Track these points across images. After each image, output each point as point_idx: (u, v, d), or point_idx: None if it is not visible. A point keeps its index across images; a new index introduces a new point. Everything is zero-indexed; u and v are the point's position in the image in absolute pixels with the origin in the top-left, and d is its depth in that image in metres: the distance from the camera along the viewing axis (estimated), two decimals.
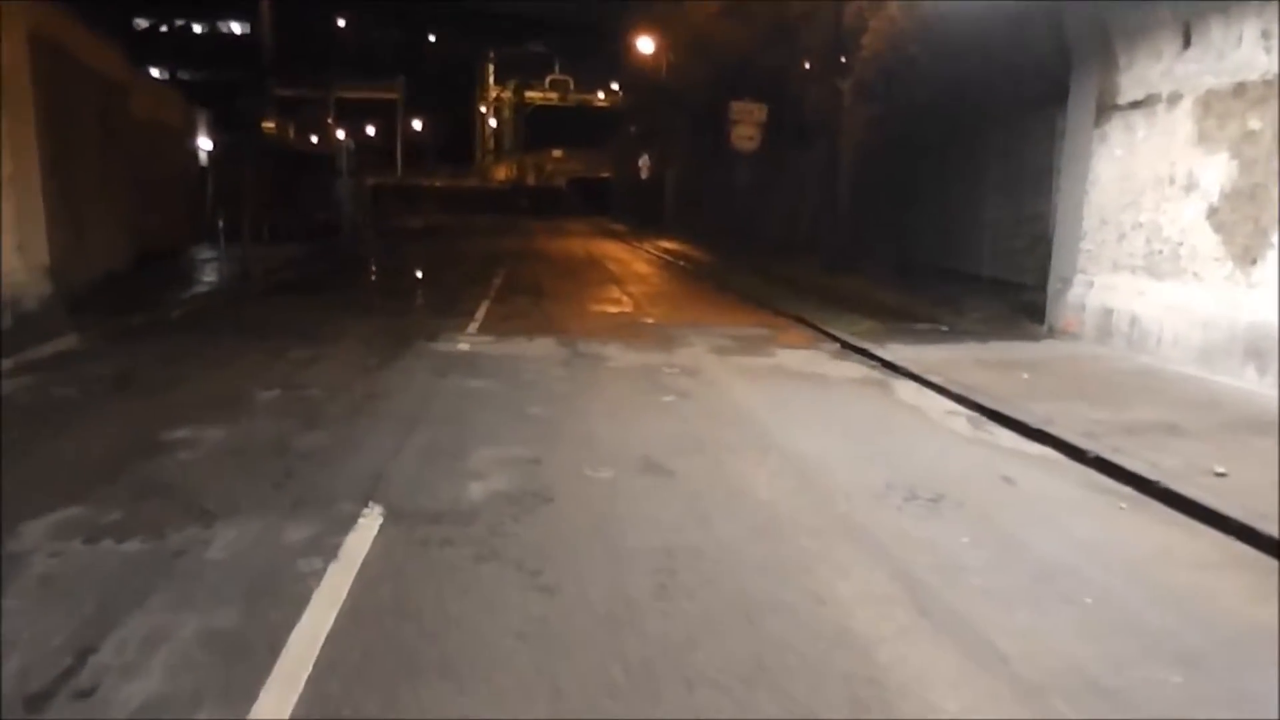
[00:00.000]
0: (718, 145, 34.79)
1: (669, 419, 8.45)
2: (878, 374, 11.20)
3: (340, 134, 62.12)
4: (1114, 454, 7.35)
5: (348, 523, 5.53)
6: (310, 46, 77.76)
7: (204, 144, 31.59)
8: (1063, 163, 13.92)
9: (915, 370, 10.97)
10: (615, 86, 75.20)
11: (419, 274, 23.59)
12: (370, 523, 5.54)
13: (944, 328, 14.29)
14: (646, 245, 35.91)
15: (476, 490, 6.19)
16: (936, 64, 17.10)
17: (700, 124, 38.01)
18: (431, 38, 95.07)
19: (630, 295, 19.23)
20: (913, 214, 19.69)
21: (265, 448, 7.13)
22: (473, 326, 14.06)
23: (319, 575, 4.81)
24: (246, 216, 29.83)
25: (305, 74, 78.08)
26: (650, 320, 15.35)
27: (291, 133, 74.42)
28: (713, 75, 31.94)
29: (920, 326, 14.34)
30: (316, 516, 5.63)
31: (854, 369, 11.50)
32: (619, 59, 55.41)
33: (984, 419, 8.92)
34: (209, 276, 20.48)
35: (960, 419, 8.97)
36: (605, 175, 74.23)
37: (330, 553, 5.08)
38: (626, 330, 14.15)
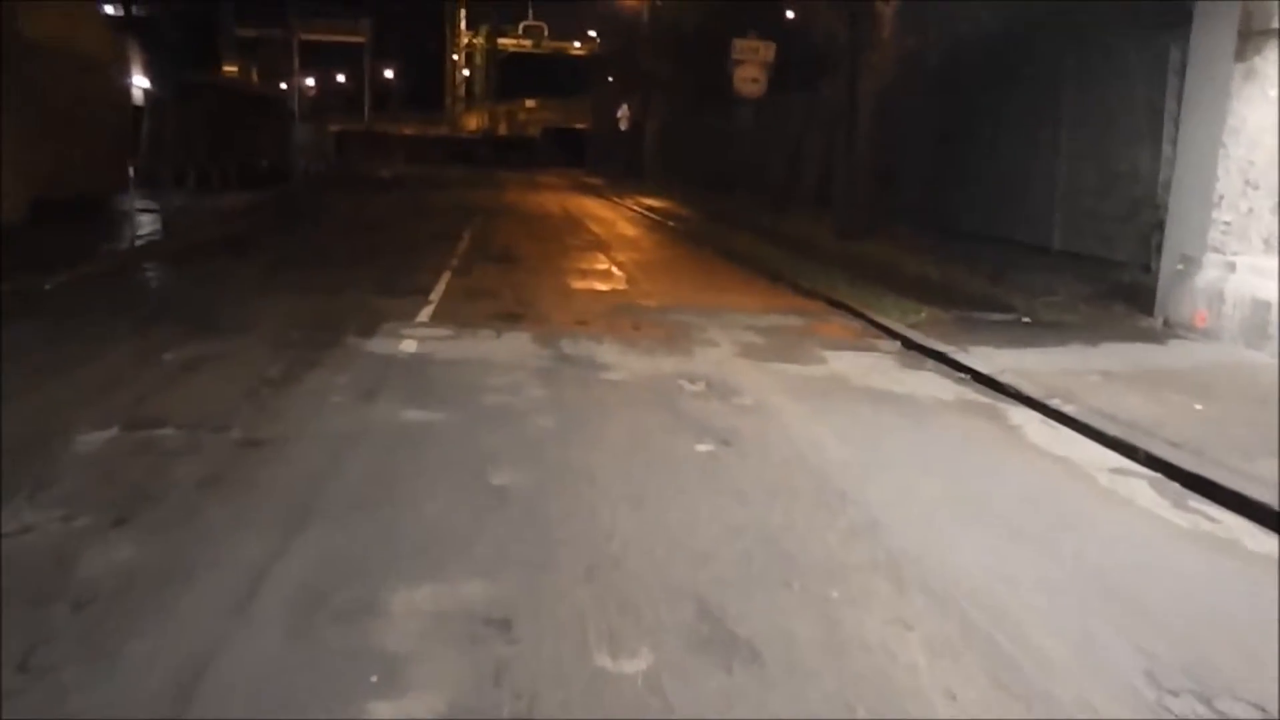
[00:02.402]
0: (706, 91, 31.57)
1: (716, 496, 5.34)
2: (975, 393, 8.15)
3: (303, 78, 58.37)
4: None
5: None
6: None
7: (140, 81, 28.01)
8: (1184, 107, 10.83)
9: (1029, 391, 7.92)
10: (592, 34, 71.93)
11: (372, 234, 20.24)
12: None
13: (1025, 318, 11.26)
14: (629, 201, 32.71)
15: None
16: None
17: (688, 69, 34.74)
18: None
19: (620, 266, 16.06)
20: (952, 168, 16.55)
21: (15, 585, 3.97)
22: (426, 311, 10.86)
23: None
24: (185, 162, 26.51)
25: (266, 11, 74.00)
26: (651, 302, 12.20)
27: (254, 76, 70.62)
28: (706, 11, 28.59)
29: (993, 316, 11.31)
30: None
31: (940, 385, 8.44)
32: (597, 3, 52.01)
33: (1179, 486, 5.89)
34: (120, 232, 17.15)
35: (1141, 485, 5.93)
36: (580, 126, 71.43)
37: None
38: (623, 317, 11.01)
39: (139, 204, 21.04)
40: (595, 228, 23.65)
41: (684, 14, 29.95)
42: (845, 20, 18.15)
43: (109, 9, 40.71)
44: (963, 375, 8.74)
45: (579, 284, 13.69)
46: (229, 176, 27.36)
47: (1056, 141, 13.53)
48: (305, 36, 78.87)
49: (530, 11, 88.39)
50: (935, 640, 3.80)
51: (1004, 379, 8.31)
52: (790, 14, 23.43)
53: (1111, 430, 6.82)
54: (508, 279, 13.75)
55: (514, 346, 9.12)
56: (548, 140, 75.34)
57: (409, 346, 8.88)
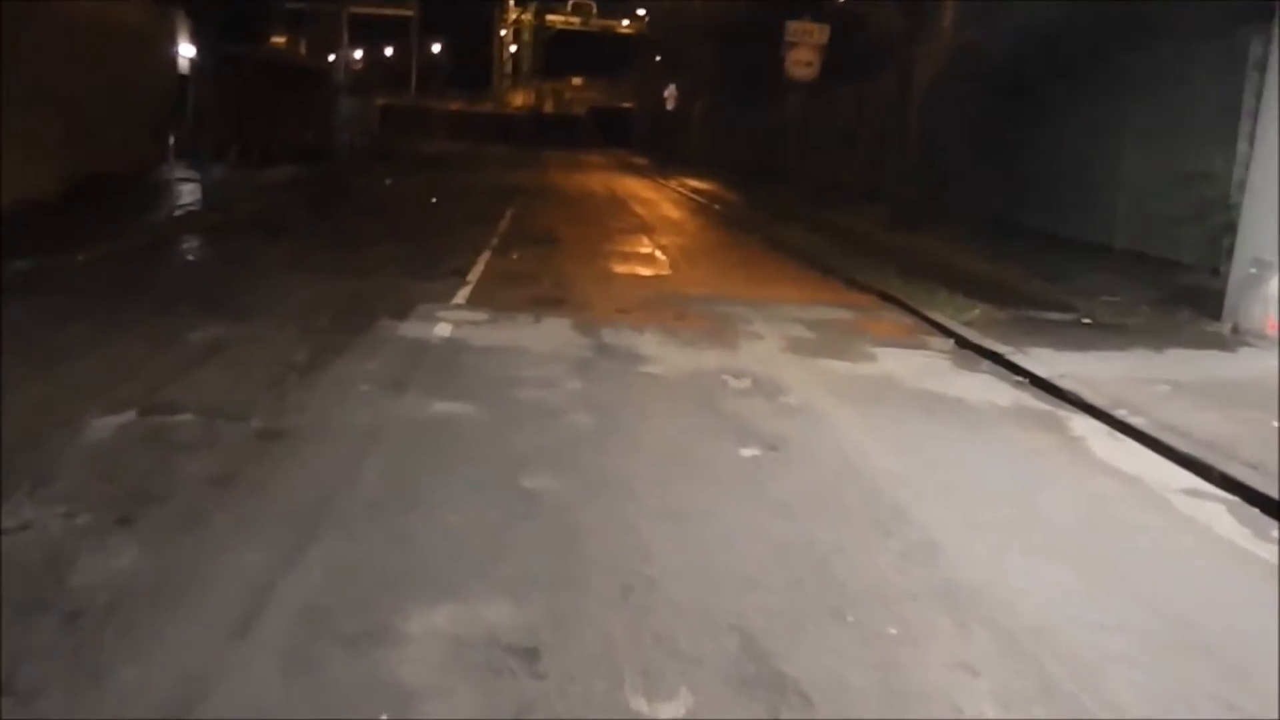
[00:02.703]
0: (755, 75, 31.02)
1: (761, 510, 4.98)
2: (1034, 400, 7.72)
3: (351, 52, 58.23)
4: None
5: None
6: None
7: (185, 52, 27.83)
8: (1263, 103, 10.28)
9: (1092, 399, 7.48)
10: (641, 12, 71.34)
11: (413, 211, 19.98)
12: None
13: (1085, 319, 10.78)
14: (673, 183, 32.29)
15: None
16: None
17: (737, 50, 34.16)
18: None
19: (664, 250, 15.68)
20: (1008, 163, 16.00)
21: (8, 589, 3.68)
22: (462, 293, 10.56)
23: None
24: (229, 135, 26.37)
25: None
26: (694, 291, 11.82)
27: (303, 49, 70.90)
28: None
29: (1051, 316, 10.84)
30: None
31: (996, 389, 8.01)
32: None
33: (1259, 512, 5.45)
34: (157, 207, 16.98)
35: (1219, 511, 5.49)
36: (627, 106, 71.04)
37: None
38: (665, 306, 10.64)
39: (179, 176, 20.92)
40: (639, 209, 23.28)
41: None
42: (902, 9, 17.59)
43: None
44: (1020, 379, 8.31)
45: (621, 268, 13.34)
46: (271, 150, 27.18)
47: (1121, 137, 12.98)
48: (355, 10, 78.92)
49: None
50: (1005, 690, 3.42)
51: (1064, 385, 7.87)
52: None
53: (1184, 447, 6.38)
54: (548, 262, 13.42)
55: (552, 334, 8.78)
56: (593, 119, 74.81)
57: (443, 331, 8.57)
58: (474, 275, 11.72)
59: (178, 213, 16.37)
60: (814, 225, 19.50)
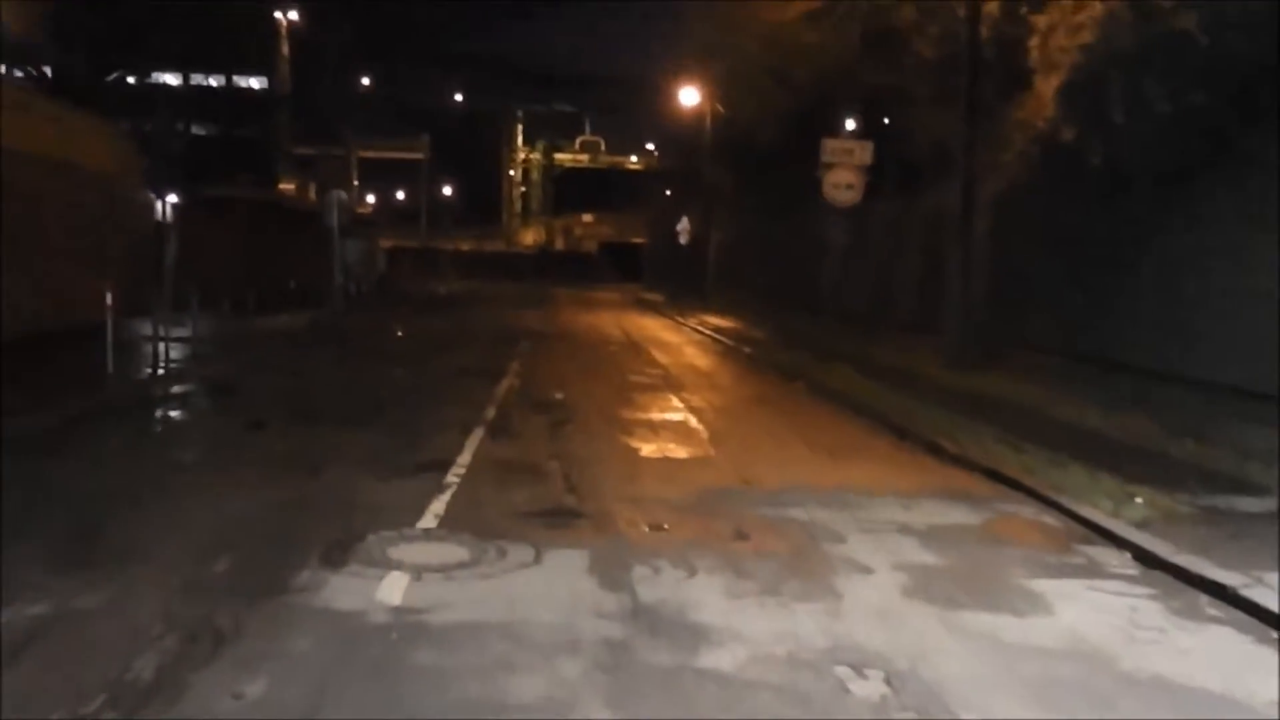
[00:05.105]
0: (781, 199, 28.78)
1: None
2: None
3: (361, 194, 56.92)
4: None
5: None
6: (332, 103, 73.15)
7: (167, 196, 25.79)
8: None
9: None
10: (650, 147, 70.88)
11: (399, 368, 17.19)
12: None
13: None
14: (693, 321, 29.74)
15: None
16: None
17: (758, 178, 31.98)
18: (459, 97, 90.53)
19: (698, 414, 12.76)
20: (1107, 283, 13.22)
21: None
22: (437, 505, 7.58)
23: None
24: (206, 284, 24.04)
25: (324, 131, 73.71)
26: (751, 480, 8.86)
27: (312, 193, 70.18)
28: (781, 108, 25.82)
29: (1244, 503, 8.00)
30: None
31: (1265, 666, 5.03)
32: (655, 117, 50.35)
33: None
34: (99, 372, 14.20)
35: None
36: (637, 240, 69.89)
37: None
38: (717, 512, 7.68)
39: (143, 333, 18.41)
40: (660, 356, 20.50)
41: (760, 122, 27.03)
42: (963, 115, 15.09)
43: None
44: None
45: (649, 448, 10.39)
46: (273, 299, 24.96)
47: (1268, 252, 10.20)
48: (364, 154, 78.29)
49: (587, 126, 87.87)
50: None
51: None
52: (880, 111, 20.55)
53: None
54: (556, 440, 10.53)
55: (560, 588, 5.79)
56: (604, 255, 73.88)
57: (392, 594, 5.55)
58: (457, 471, 8.75)
59: (122, 380, 13.61)
60: (861, 366, 16.70)
